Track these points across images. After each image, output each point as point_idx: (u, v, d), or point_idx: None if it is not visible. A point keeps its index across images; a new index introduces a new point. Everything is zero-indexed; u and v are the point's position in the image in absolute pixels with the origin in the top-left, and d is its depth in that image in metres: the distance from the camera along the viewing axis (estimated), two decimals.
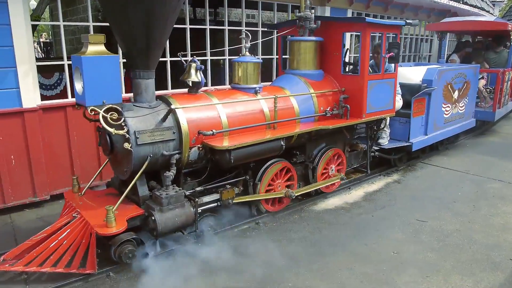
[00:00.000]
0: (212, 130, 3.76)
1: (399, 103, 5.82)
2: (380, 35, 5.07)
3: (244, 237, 4.05)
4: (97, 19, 7.90)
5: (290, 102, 4.63)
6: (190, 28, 5.89)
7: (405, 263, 3.58)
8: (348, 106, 4.89)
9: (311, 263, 3.56)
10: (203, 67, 4.06)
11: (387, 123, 5.82)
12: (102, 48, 3.33)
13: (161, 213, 3.44)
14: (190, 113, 3.78)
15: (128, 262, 3.32)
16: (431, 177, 5.98)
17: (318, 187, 4.96)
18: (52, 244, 3.26)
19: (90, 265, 3.26)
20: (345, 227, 4.31)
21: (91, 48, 3.28)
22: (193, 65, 4.02)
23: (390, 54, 4.94)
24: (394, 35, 5.30)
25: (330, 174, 5.12)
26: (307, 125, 4.66)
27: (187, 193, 3.71)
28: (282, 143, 4.21)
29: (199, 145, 3.78)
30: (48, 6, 9.24)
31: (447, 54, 10.75)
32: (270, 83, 5.32)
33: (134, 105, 3.59)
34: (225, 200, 3.96)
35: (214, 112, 3.95)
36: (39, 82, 4.82)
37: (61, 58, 5.02)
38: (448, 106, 6.87)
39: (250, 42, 4.50)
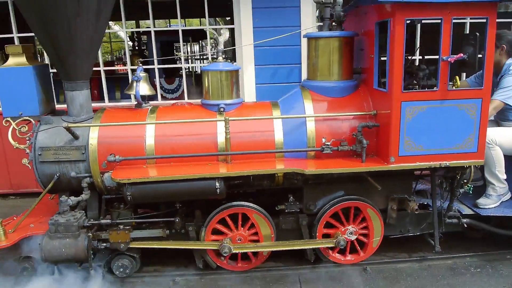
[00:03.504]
0: (116, 156, 3.10)
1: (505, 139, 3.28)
2: (440, 21, 2.83)
3: None
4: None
5: (271, 127, 3.29)
6: None
7: None
8: (367, 141, 3.05)
9: None
10: (140, 78, 3.38)
11: (499, 171, 3.37)
12: (22, 59, 3.26)
13: (48, 239, 3.13)
14: (107, 132, 3.24)
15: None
16: None
17: (286, 248, 3.35)
18: None
19: None
20: None
21: (11, 60, 3.27)
22: (143, 75, 3.43)
23: (458, 56, 2.73)
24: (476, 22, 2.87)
25: (346, 237, 3.39)
26: (294, 162, 3.21)
27: (88, 223, 3.22)
28: (217, 185, 3.03)
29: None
30: None
31: None
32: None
33: (62, 119, 3.37)
34: (114, 243, 3.22)
35: (140, 133, 3.24)
36: None
37: None
38: None
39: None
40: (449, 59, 2.78)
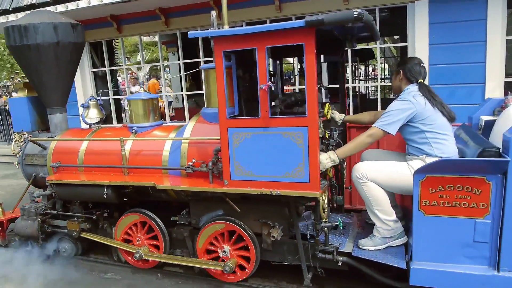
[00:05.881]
0: (56, 163, 4.14)
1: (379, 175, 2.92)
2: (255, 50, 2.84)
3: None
4: None
5: (162, 147, 3.82)
6: None
7: None
8: (220, 163, 3.27)
9: None
10: (87, 105, 4.38)
11: (380, 210, 3.04)
12: (23, 92, 4.71)
13: (20, 220, 4.40)
14: (60, 144, 4.32)
15: None
16: None
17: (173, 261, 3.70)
18: None
19: None
20: None
21: (18, 92, 4.75)
22: (91, 103, 4.47)
23: (267, 85, 2.79)
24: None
25: (221, 256, 3.59)
26: (171, 179, 3.67)
27: (42, 211, 4.33)
28: (105, 191, 3.73)
29: None
30: None
31: None
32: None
33: (44, 135, 4.65)
34: (70, 231, 4.17)
35: (78, 147, 4.21)
36: None
37: None
38: None
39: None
40: (263, 87, 2.83)
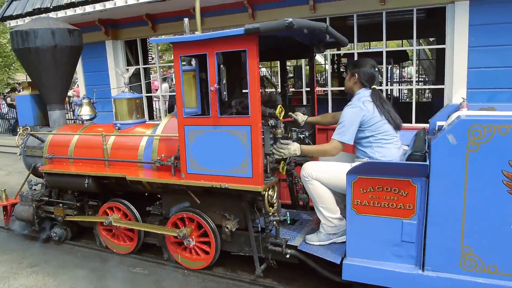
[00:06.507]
0: (50, 154, 4.58)
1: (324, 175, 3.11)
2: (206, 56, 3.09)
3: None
4: None
5: (139, 143, 4.15)
6: None
7: None
8: (179, 158, 3.55)
9: None
10: (79, 103, 4.79)
11: (324, 208, 3.23)
12: (28, 90, 5.20)
13: (19, 205, 4.88)
14: (56, 138, 4.75)
15: None
16: None
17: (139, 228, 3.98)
18: None
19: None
20: None
21: (24, 91, 5.25)
22: (85, 101, 4.88)
23: (214, 87, 3.05)
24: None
25: (185, 244, 3.87)
26: (144, 172, 4.00)
27: (38, 198, 4.78)
28: (86, 181, 4.11)
29: None
30: None
31: None
32: None
33: (45, 128, 5.12)
34: (56, 216, 4.60)
35: (69, 141, 4.63)
36: None
37: None
38: None
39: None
40: (213, 89, 3.08)
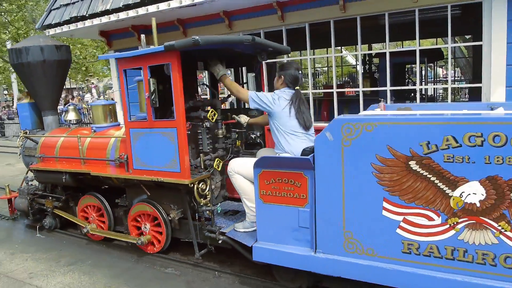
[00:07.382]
0: (40, 154, 5.31)
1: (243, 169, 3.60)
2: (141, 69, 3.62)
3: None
4: None
5: (108, 143, 4.77)
6: None
7: None
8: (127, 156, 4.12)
9: None
10: (66, 109, 5.49)
11: (247, 199, 3.69)
12: (28, 98, 5.99)
13: (18, 198, 5.67)
14: (47, 140, 5.49)
15: None
16: None
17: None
18: None
19: None
20: None
21: (24, 99, 6.05)
22: (70, 108, 5.60)
23: (147, 96, 3.59)
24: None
25: (142, 229, 4.45)
26: (109, 168, 4.61)
27: (33, 191, 5.54)
28: (63, 177, 4.78)
29: None
30: None
31: None
32: None
33: (41, 132, 5.89)
34: (46, 207, 5.32)
35: (56, 142, 5.34)
36: None
37: None
38: (428, 215, 2.61)
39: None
40: (147, 97, 3.62)
